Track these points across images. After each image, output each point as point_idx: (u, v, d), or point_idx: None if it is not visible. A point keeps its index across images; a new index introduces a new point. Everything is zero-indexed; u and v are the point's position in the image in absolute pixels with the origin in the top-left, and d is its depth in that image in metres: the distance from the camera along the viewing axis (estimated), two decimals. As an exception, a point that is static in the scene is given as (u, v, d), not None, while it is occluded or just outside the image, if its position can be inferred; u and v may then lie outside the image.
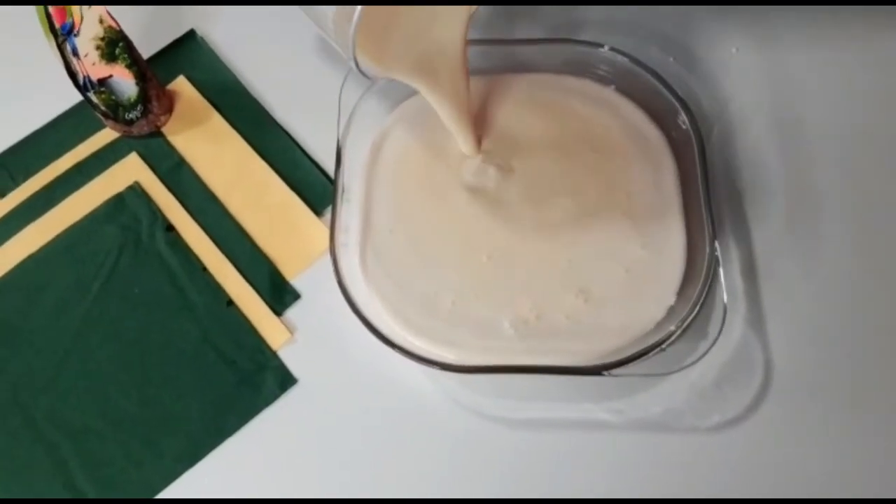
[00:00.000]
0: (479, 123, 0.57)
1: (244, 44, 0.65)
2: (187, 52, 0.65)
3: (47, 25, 0.53)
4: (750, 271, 0.54)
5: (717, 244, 0.50)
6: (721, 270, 0.49)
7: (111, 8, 0.55)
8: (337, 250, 0.51)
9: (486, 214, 0.54)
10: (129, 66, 0.57)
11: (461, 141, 0.55)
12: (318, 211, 0.58)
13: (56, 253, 0.58)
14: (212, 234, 0.58)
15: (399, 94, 0.58)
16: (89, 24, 0.54)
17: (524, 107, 0.58)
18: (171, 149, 0.61)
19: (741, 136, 0.58)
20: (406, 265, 0.53)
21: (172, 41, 0.65)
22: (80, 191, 0.60)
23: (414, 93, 0.58)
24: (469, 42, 0.54)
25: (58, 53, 0.55)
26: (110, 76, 0.57)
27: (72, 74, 0.56)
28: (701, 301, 0.48)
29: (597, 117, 0.57)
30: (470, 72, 0.53)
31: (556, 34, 0.61)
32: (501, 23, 0.63)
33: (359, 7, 0.40)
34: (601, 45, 0.57)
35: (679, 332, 0.48)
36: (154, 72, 0.60)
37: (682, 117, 0.55)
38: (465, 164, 0.56)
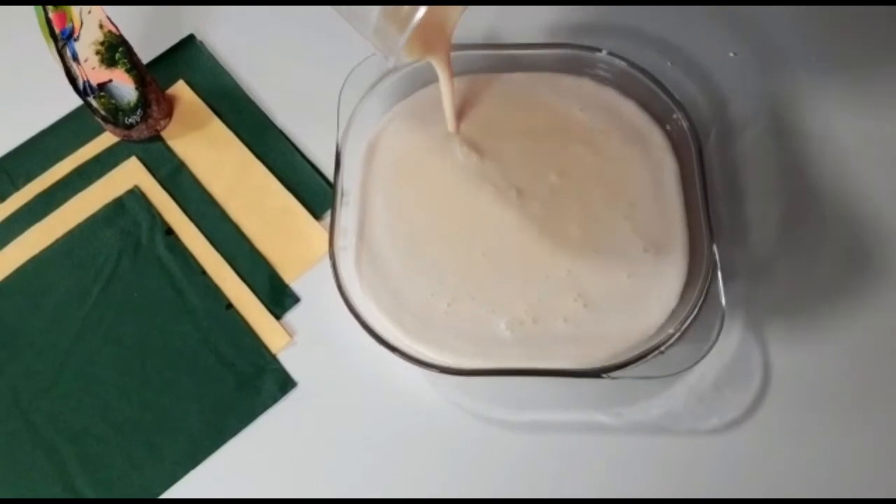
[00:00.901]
0: (480, 122, 0.57)
1: (243, 48, 0.65)
2: (187, 57, 0.65)
3: (47, 30, 0.53)
4: (748, 273, 0.54)
5: (715, 247, 0.50)
6: (719, 273, 0.49)
7: (111, 13, 0.55)
8: (336, 254, 0.51)
9: (482, 213, 0.54)
10: (128, 71, 0.57)
11: (448, 114, 0.56)
12: (317, 214, 0.58)
13: (56, 257, 0.58)
14: (211, 237, 0.58)
15: (396, 98, 0.58)
16: (89, 29, 0.54)
17: (524, 106, 0.58)
18: (171, 153, 0.61)
19: (739, 139, 0.59)
20: (401, 267, 0.53)
21: (172, 46, 0.65)
22: (79, 195, 0.60)
23: (409, 93, 0.58)
24: (469, 46, 0.57)
25: (58, 58, 0.55)
26: (110, 81, 0.57)
27: (72, 79, 0.56)
28: (699, 303, 0.49)
29: (597, 118, 0.57)
30: (469, 72, 0.56)
31: (554, 38, 0.61)
32: (500, 26, 0.63)
33: (418, 14, 0.41)
34: (599, 50, 0.57)
35: (678, 334, 0.48)
36: (154, 76, 0.60)
37: (680, 120, 0.55)
38: (461, 161, 0.56)
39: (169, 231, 0.58)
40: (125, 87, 0.58)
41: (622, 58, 0.57)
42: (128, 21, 0.58)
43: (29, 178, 0.61)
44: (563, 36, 0.61)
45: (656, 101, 0.56)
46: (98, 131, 0.62)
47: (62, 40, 0.54)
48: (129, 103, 0.58)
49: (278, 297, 0.56)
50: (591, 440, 0.51)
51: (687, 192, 0.54)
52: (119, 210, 0.59)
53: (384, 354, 0.48)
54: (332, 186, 0.57)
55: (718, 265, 0.49)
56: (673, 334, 0.48)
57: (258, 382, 0.53)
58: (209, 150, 0.61)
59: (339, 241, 0.52)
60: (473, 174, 0.56)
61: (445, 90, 0.54)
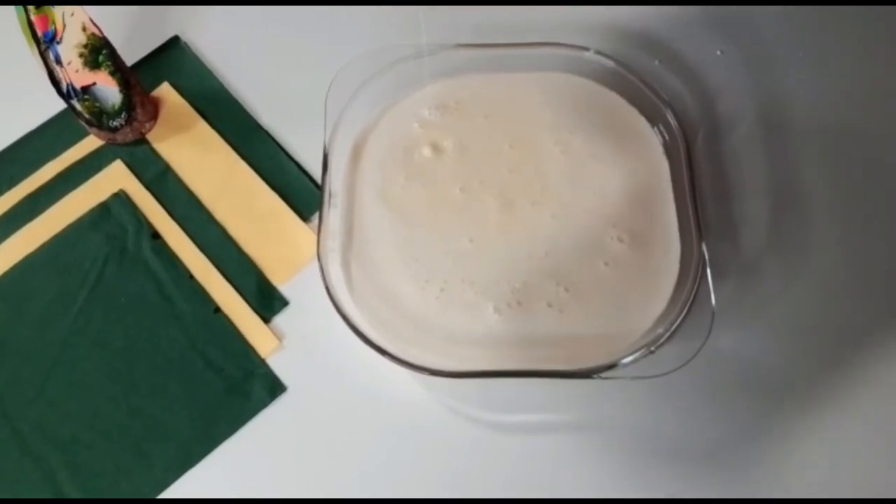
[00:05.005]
0: (466, 120, 0.58)
1: (229, 50, 0.64)
2: (171, 59, 0.64)
3: (29, 33, 0.53)
4: (737, 272, 0.54)
5: (704, 245, 0.50)
6: (709, 271, 0.49)
7: (94, 14, 0.55)
8: (325, 256, 0.51)
9: (467, 206, 0.55)
10: (112, 74, 0.57)
11: None
12: (305, 216, 0.58)
13: (41, 262, 0.57)
14: (198, 241, 0.57)
15: (383, 99, 0.58)
16: (72, 32, 0.54)
17: (510, 105, 0.58)
18: (157, 156, 0.61)
19: (727, 138, 0.59)
20: (390, 265, 0.53)
21: (156, 48, 0.65)
22: (64, 199, 0.59)
23: (395, 94, 0.58)
24: (455, 46, 0.58)
25: (40, 61, 0.54)
26: (94, 84, 0.56)
27: (55, 82, 0.55)
28: (689, 303, 0.49)
29: (583, 116, 0.57)
30: (456, 72, 0.58)
31: (541, 37, 0.61)
32: (487, 25, 0.63)
33: None
34: (587, 49, 0.57)
35: (668, 334, 0.48)
36: (138, 79, 0.60)
37: (669, 119, 0.55)
38: (446, 159, 0.57)
39: (155, 235, 0.58)
40: (109, 90, 0.57)
41: (610, 56, 0.57)
42: (111, 23, 0.57)
43: (13, 182, 0.60)
44: (551, 35, 0.61)
45: (644, 99, 0.57)
46: (82, 134, 0.61)
47: (45, 43, 0.53)
48: (113, 106, 0.58)
49: (267, 301, 0.55)
50: (582, 441, 0.51)
51: (676, 190, 0.54)
52: (105, 214, 0.58)
53: (374, 357, 0.48)
54: (319, 188, 0.57)
55: (708, 264, 0.49)
56: (663, 334, 0.48)
57: (247, 387, 0.53)
58: (195, 153, 0.61)
59: (328, 243, 0.52)
60: (459, 171, 0.56)
61: None
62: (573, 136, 0.57)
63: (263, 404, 0.52)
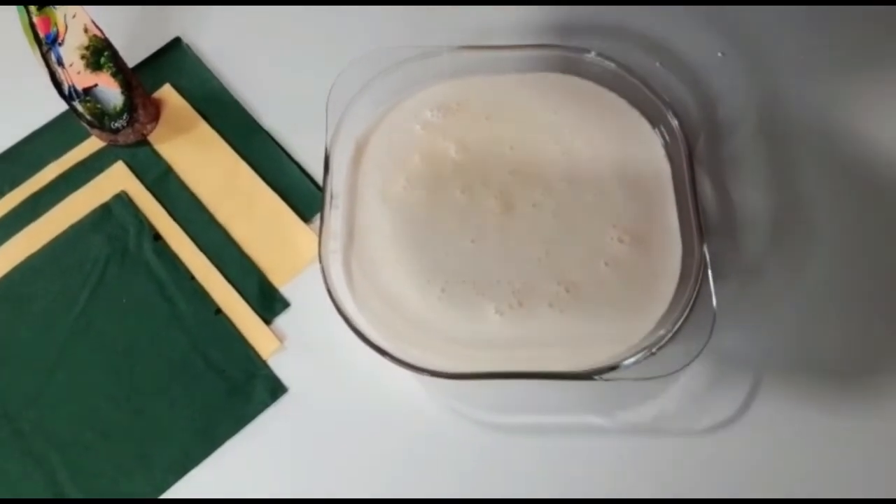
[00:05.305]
0: (467, 121, 0.58)
1: (230, 51, 0.65)
2: (173, 60, 0.64)
3: (31, 35, 0.53)
4: (738, 273, 0.54)
5: (705, 247, 0.50)
6: (710, 273, 0.49)
7: (96, 15, 0.55)
8: (326, 257, 0.51)
9: (468, 207, 0.55)
10: (114, 75, 0.57)
11: None
12: (306, 218, 0.58)
13: (42, 263, 0.57)
14: (199, 242, 0.57)
15: (385, 100, 0.58)
16: (74, 34, 0.54)
17: (511, 107, 0.58)
18: (158, 157, 0.61)
19: (728, 139, 0.59)
20: (392, 267, 0.53)
21: (158, 49, 0.65)
22: (66, 200, 0.59)
23: (397, 95, 0.58)
24: (456, 48, 0.57)
25: (42, 63, 0.54)
26: (95, 85, 0.57)
27: (57, 84, 0.55)
28: (691, 304, 0.49)
29: (583, 117, 0.57)
30: (457, 73, 0.58)
31: (542, 39, 0.61)
32: (489, 26, 0.63)
33: None
34: (588, 51, 0.57)
35: (669, 336, 0.48)
36: (140, 80, 0.60)
37: (670, 120, 0.55)
38: (448, 160, 0.57)
39: (157, 236, 0.58)
40: (111, 92, 0.57)
41: (611, 59, 0.57)
42: (113, 24, 0.57)
43: (14, 183, 0.60)
44: (552, 37, 0.61)
45: (646, 101, 0.57)
46: (84, 136, 0.61)
47: (47, 45, 0.53)
48: (115, 108, 0.58)
49: (268, 302, 0.55)
50: (584, 442, 0.51)
51: (677, 191, 0.54)
52: (106, 215, 0.59)
53: (375, 358, 0.48)
54: (320, 189, 0.57)
55: (709, 266, 0.49)
56: (665, 336, 0.48)
57: (249, 388, 0.53)
58: (196, 154, 0.61)
59: (329, 244, 0.52)
60: (460, 172, 0.56)
61: None
62: (574, 138, 0.57)
63: (264, 405, 0.52)
